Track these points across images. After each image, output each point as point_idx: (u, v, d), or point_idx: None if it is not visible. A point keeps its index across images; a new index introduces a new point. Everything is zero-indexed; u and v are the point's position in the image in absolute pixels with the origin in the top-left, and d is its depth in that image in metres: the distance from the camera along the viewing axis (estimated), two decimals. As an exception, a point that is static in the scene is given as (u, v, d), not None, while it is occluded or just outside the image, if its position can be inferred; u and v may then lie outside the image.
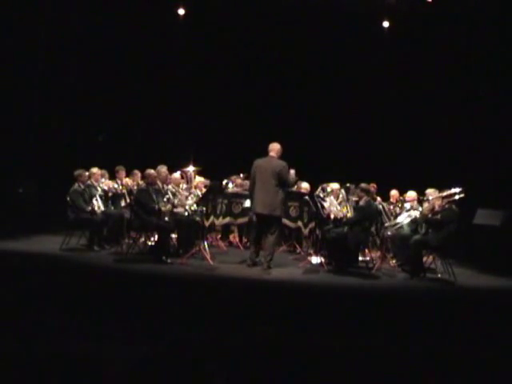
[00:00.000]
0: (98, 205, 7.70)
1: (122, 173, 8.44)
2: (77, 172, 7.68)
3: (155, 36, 10.79)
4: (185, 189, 7.86)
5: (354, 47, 10.86)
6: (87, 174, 7.92)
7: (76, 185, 7.60)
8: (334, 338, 4.26)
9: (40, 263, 6.60)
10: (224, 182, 8.82)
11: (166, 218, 7.24)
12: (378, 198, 8.42)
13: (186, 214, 7.67)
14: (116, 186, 8.21)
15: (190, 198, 7.67)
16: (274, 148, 7.13)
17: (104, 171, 8.28)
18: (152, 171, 7.41)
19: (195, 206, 7.74)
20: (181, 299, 5.21)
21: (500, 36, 9.97)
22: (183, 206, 7.57)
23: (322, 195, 7.91)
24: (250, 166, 7.17)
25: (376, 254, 8.04)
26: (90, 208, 7.61)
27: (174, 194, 7.67)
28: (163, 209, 7.16)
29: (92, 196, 7.76)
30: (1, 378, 3.11)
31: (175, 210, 7.50)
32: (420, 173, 9.54)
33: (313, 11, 10.76)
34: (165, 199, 7.33)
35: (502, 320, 5.18)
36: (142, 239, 7.77)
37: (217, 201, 8.22)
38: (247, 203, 8.34)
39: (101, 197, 7.90)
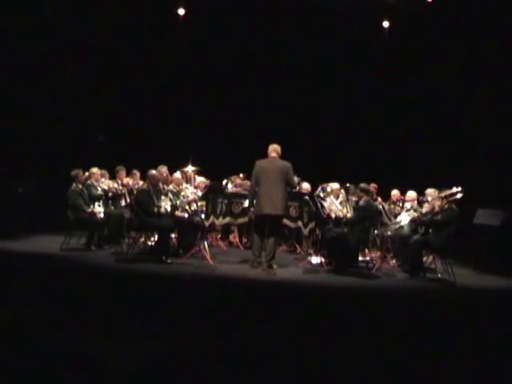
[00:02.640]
0: (99, 210, 7.70)
1: (123, 173, 8.45)
2: (74, 172, 7.68)
3: (155, 36, 10.78)
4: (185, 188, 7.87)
5: (354, 47, 10.86)
6: (86, 173, 7.93)
7: (74, 185, 7.60)
8: (334, 338, 4.26)
9: (40, 263, 6.60)
10: (224, 182, 8.83)
11: (168, 209, 7.22)
12: (379, 198, 8.42)
13: (186, 214, 7.68)
14: (116, 185, 8.22)
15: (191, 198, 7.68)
16: (276, 149, 7.14)
17: (104, 171, 8.29)
18: (155, 172, 7.41)
19: (195, 205, 7.74)
20: (181, 299, 5.21)
21: (500, 36, 9.96)
22: (184, 206, 7.58)
23: (322, 195, 7.91)
24: (250, 166, 7.16)
25: (376, 254, 8.04)
26: (90, 209, 7.61)
27: (175, 195, 7.66)
28: (162, 209, 7.14)
29: (91, 196, 7.77)
30: (1, 377, 3.11)
31: (177, 213, 7.51)
32: (420, 173, 9.54)
33: (313, 11, 10.75)
34: (167, 200, 7.32)
35: (502, 320, 5.18)
36: (142, 239, 7.77)
37: (217, 201, 8.22)
38: (247, 203, 8.33)
39: (101, 197, 7.91)
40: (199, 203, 7.80)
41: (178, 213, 7.55)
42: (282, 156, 7.20)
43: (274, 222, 7.06)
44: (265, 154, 7.17)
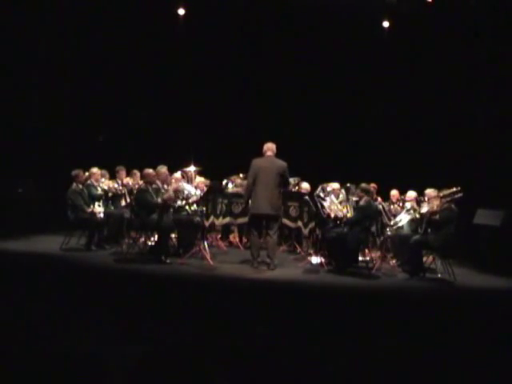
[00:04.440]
0: (99, 210, 7.70)
1: (123, 173, 8.45)
2: (74, 172, 7.67)
3: (155, 36, 10.78)
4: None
5: (354, 47, 10.86)
6: (86, 174, 7.93)
7: (74, 185, 7.60)
8: (334, 338, 4.26)
9: (40, 263, 6.60)
10: (224, 182, 8.83)
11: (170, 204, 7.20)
12: (379, 198, 8.42)
13: (186, 213, 7.68)
14: (116, 185, 8.22)
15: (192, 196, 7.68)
16: (271, 147, 7.14)
17: (104, 171, 8.29)
18: (150, 170, 7.39)
19: (195, 205, 7.74)
20: (181, 299, 5.21)
21: (500, 36, 9.96)
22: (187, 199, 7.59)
23: (322, 195, 7.91)
24: (250, 166, 7.14)
25: (376, 254, 8.04)
26: (90, 209, 7.61)
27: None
28: (165, 196, 7.12)
29: (91, 196, 7.77)
30: (1, 377, 3.11)
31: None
32: (420, 173, 9.54)
33: (313, 11, 10.75)
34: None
35: (502, 320, 5.18)
36: (142, 239, 7.77)
37: (217, 201, 8.22)
38: (247, 203, 8.33)
39: (101, 197, 7.91)
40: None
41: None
42: (282, 155, 7.19)
43: (272, 222, 7.07)
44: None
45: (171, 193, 7.25)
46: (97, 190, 7.90)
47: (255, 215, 7.07)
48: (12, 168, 9.47)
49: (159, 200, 7.09)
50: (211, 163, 8.60)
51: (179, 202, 7.58)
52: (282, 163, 7.06)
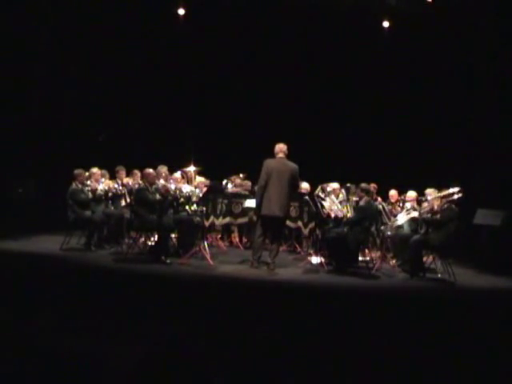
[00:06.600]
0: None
1: (123, 173, 8.44)
2: (76, 171, 7.66)
3: (155, 36, 10.79)
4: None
5: (354, 47, 10.86)
6: (87, 174, 7.93)
7: (74, 184, 7.59)
8: (334, 338, 4.26)
9: (40, 263, 6.60)
10: (224, 182, 8.83)
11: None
12: (379, 198, 8.42)
13: (186, 213, 7.68)
14: (116, 185, 8.22)
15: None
16: (283, 149, 7.07)
17: (104, 171, 8.28)
18: (150, 170, 7.40)
19: (195, 205, 7.73)
20: (181, 299, 5.21)
21: (500, 36, 9.96)
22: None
23: (321, 195, 7.91)
24: (250, 166, 7.14)
25: (376, 254, 8.04)
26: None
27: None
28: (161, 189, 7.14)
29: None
30: (1, 377, 3.11)
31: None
32: (420, 173, 9.54)
33: (313, 11, 10.76)
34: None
35: (501, 320, 5.18)
36: (142, 239, 7.77)
37: (217, 201, 8.22)
38: (247, 203, 8.33)
39: (100, 197, 7.91)
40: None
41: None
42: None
43: (279, 224, 7.05)
44: (265, 154, 7.15)
45: (163, 183, 7.29)
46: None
47: (266, 216, 6.95)
48: (12, 168, 9.47)
49: (157, 196, 7.11)
50: (211, 163, 8.61)
51: (172, 187, 7.52)
52: (293, 166, 6.99)
